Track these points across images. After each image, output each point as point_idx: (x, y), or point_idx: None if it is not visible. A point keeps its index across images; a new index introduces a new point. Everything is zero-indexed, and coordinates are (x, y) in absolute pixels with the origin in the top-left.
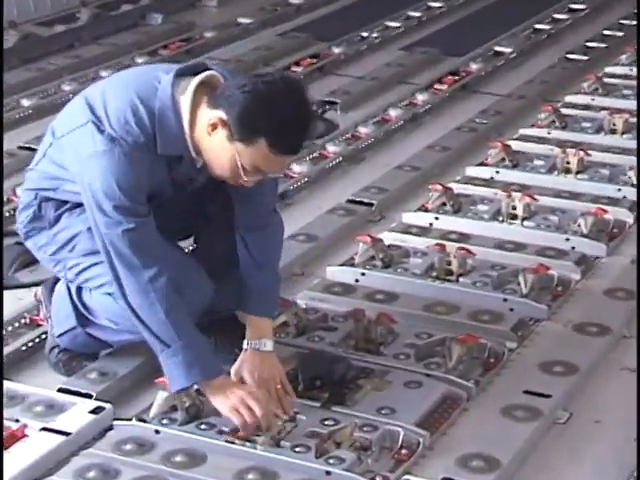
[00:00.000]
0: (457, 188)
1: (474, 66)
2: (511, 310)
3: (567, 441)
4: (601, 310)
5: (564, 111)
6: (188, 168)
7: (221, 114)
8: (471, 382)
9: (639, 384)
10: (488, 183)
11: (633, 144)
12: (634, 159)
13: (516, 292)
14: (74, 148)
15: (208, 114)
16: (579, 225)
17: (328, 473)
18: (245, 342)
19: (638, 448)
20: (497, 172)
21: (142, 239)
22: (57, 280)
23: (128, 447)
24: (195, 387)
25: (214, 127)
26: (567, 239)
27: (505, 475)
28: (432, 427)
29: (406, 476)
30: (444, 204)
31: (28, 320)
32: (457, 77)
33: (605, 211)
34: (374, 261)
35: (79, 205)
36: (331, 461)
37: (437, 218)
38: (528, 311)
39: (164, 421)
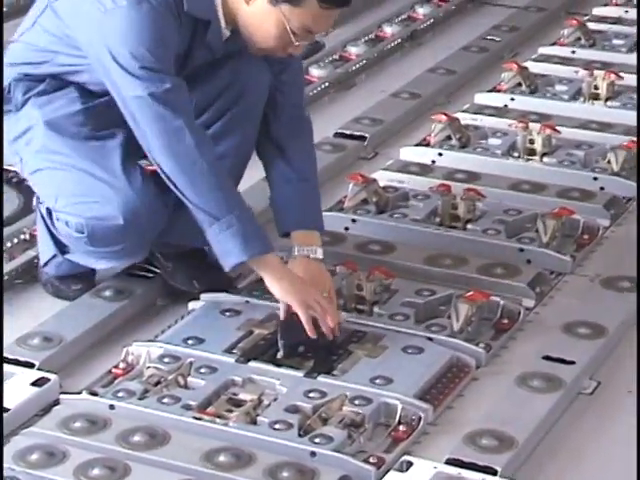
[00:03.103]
0: (464, 118)
1: None
2: (528, 262)
3: (594, 415)
4: (634, 262)
5: (591, 26)
6: (213, 38)
7: None
8: (481, 347)
9: None
10: (501, 112)
11: None
12: None
13: (534, 241)
14: (80, 9)
15: None
16: (609, 161)
17: (313, 454)
18: (294, 249)
19: None
20: (512, 99)
21: (182, 100)
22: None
23: (77, 425)
24: None
25: None
26: (595, 178)
27: (521, 455)
28: (435, 400)
29: (405, 457)
30: (449, 137)
31: None
32: None
33: None
34: (367, 205)
35: (55, 90)
36: (317, 440)
37: (441, 154)
38: (548, 263)
39: (120, 394)
